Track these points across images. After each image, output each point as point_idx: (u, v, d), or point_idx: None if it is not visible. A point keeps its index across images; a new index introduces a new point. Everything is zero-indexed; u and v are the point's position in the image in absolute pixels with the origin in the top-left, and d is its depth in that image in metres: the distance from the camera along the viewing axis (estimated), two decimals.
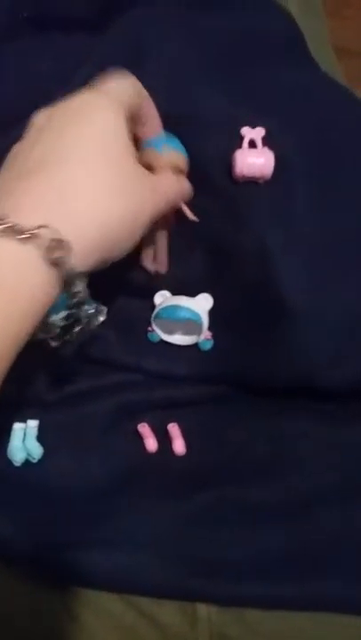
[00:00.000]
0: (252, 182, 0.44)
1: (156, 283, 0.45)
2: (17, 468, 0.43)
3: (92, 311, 0.35)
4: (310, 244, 0.42)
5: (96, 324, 0.35)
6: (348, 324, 0.42)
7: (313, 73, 0.53)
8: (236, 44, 0.50)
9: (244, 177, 0.43)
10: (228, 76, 0.47)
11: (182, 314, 0.43)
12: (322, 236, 0.42)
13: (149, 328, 0.46)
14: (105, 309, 0.44)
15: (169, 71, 0.46)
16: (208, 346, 0.45)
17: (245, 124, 0.44)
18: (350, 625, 0.38)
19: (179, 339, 0.46)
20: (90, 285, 0.32)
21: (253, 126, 0.44)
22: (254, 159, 0.43)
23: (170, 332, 0.46)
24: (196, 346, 0.46)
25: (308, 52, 0.55)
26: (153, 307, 0.45)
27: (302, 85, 0.49)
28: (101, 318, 0.46)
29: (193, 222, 0.41)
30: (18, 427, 0.44)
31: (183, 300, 0.44)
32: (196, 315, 0.43)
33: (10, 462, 0.43)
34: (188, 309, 0.43)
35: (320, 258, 0.42)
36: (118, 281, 0.45)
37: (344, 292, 0.42)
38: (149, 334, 0.46)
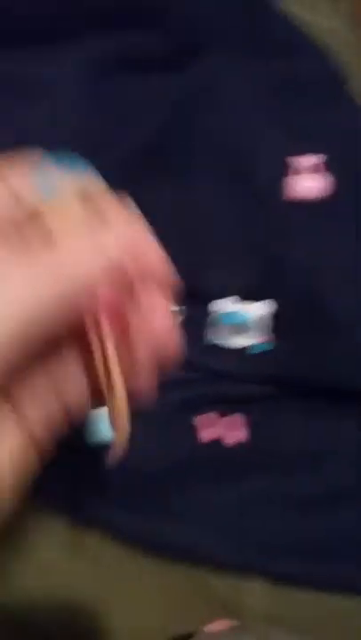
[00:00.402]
0: (303, 204, 0.49)
1: (214, 291, 0.50)
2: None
3: None
4: (354, 258, 0.47)
5: None
6: None
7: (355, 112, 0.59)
8: (286, 86, 0.56)
9: (296, 199, 0.49)
10: (280, 113, 0.53)
11: (237, 318, 0.48)
12: None
13: (206, 331, 0.51)
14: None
15: (228, 107, 0.53)
16: (263, 349, 0.50)
17: (298, 153, 0.50)
18: None
19: (234, 342, 0.51)
20: None
21: (305, 154, 0.50)
22: (306, 183, 0.49)
23: (226, 336, 0.51)
24: (250, 348, 0.50)
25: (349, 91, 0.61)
26: (209, 311, 0.50)
27: (347, 125, 0.55)
28: None
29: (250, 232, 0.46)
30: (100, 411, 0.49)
31: (239, 306, 0.49)
32: (252, 320, 0.49)
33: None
34: (243, 315, 0.48)
35: None
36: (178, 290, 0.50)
37: None
38: (207, 337, 0.51)
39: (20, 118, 0.51)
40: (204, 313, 0.50)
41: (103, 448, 0.48)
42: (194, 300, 0.51)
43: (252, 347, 0.50)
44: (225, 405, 0.50)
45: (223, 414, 0.49)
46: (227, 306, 0.50)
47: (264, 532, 0.44)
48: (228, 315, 0.49)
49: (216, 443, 0.49)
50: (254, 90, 0.55)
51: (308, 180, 0.48)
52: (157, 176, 0.50)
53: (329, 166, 0.49)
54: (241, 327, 0.50)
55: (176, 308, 0.40)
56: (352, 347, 0.46)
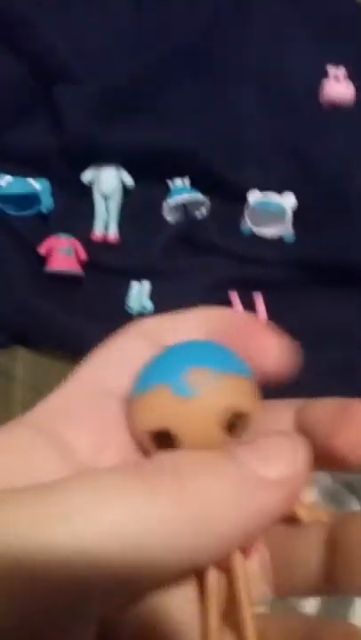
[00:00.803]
0: (334, 108, 0.56)
1: (249, 184, 0.57)
2: (130, 315, 0.54)
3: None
4: None
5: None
6: None
7: None
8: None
9: (328, 102, 0.55)
10: (313, 29, 0.60)
11: (271, 205, 0.55)
12: None
13: (242, 221, 0.57)
14: (207, 202, 0.56)
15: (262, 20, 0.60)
16: (291, 238, 0.56)
17: (330, 62, 0.56)
18: None
19: (266, 231, 0.57)
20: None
21: (337, 65, 0.57)
22: (340, 88, 0.55)
23: (259, 226, 0.57)
24: (280, 237, 0.56)
25: None
26: (247, 202, 0.56)
27: None
28: (204, 210, 0.58)
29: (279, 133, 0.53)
30: (135, 285, 0.55)
31: (272, 196, 0.55)
32: (283, 207, 0.55)
33: (126, 312, 0.55)
34: (276, 203, 0.55)
35: None
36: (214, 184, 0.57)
37: None
38: (242, 227, 0.57)
39: (75, 20, 0.59)
40: (242, 203, 0.57)
41: None
42: (231, 193, 0.57)
43: (284, 235, 0.56)
44: (256, 286, 0.56)
45: (254, 292, 0.55)
46: (262, 197, 0.56)
47: None
48: (265, 202, 0.55)
49: None
50: (289, 12, 0.62)
51: (341, 87, 0.55)
52: (191, 77, 0.57)
53: (352, 76, 0.56)
54: (276, 215, 0.56)
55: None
56: None
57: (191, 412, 0.17)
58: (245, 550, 0.18)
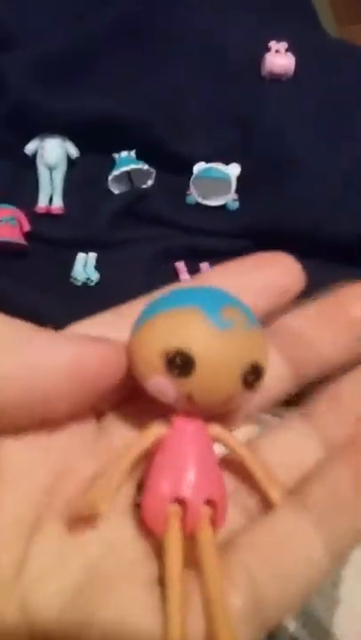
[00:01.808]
0: (275, 79, 0.57)
1: (195, 155, 0.57)
2: (77, 287, 0.54)
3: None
4: (316, 120, 0.55)
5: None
6: (341, 183, 0.54)
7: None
8: None
9: (269, 74, 0.56)
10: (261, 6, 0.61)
11: (216, 173, 0.55)
12: (325, 116, 0.55)
13: (188, 192, 0.57)
14: (153, 172, 0.56)
15: None
16: (235, 206, 0.57)
17: (273, 38, 0.57)
18: None
19: (211, 201, 0.57)
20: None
21: (278, 40, 0.58)
22: (281, 60, 0.56)
23: (205, 196, 0.57)
24: (224, 206, 0.57)
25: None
26: (193, 172, 0.57)
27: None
28: (150, 182, 0.58)
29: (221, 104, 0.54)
30: (81, 256, 0.55)
31: (217, 165, 0.56)
32: (227, 175, 0.55)
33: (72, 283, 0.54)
34: (220, 170, 0.55)
35: (322, 133, 0.55)
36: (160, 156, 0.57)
37: (340, 157, 0.54)
38: (188, 197, 0.57)
39: None
40: (187, 174, 0.57)
41: None
42: (176, 164, 0.58)
43: (228, 204, 0.57)
44: (201, 256, 0.56)
45: (200, 262, 0.56)
46: (207, 166, 0.56)
47: None
48: (210, 170, 0.55)
49: None
50: None
51: (282, 59, 0.56)
52: (133, 47, 0.57)
53: (292, 49, 0.57)
54: (221, 185, 0.56)
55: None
56: (321, 192, 0.53)
57: (223, 345, 0.16)
58: (214, 522, 0.17)
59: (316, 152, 0.54)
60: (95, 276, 0.54)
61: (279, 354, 0.19)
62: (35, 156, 0.57)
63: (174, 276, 0.55)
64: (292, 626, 0.24)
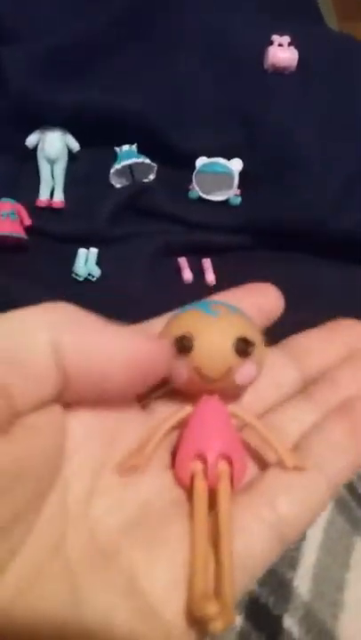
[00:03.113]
0: (278, 73, 0.56)
1: (197, 149, 0.56)
2: (78, 282, 0.53)
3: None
4: (320, 118, 0.54)
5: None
6: (344, 181, 0.53)
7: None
8: None
9: (273, 67, 0.55)
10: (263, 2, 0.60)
11: (219, 168, 0.55)
12: (329, 111, 0.54)
13: (190, 186, 0.57)
14: (155, 167, 0.56)
15: None
16: (237, 201, 0.56)
17: (275, 32, 0.57)
18: None
19: (214, 196, 0.57)
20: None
21: (281, 34, 0.57)
22: (283, 53, 0.55)
23: (207, 192, 0.57)
24: (227, 202, 0.56)
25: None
26: (193, 170, 0.56)
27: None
28: (151, 176, 0.57)
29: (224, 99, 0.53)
30: (82, 251, 0.54)
31: (220, 160, 0.55)
32: (230, 170, 0.55)
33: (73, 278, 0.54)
34: (223, 165, 0.55)
35: (326, 129, 0.54)
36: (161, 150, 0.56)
37: (342, 156, 0.54)
38: (190, 192, 0.57)
39: None
40: (190, 169, 0.56)
41: None
42: (178, 159, 0.57)
43: (231, 199, 0.56)
44: (204, 251, 0.56)
45: (202, 257, 0.55)
46: (210, 161, 0.56)
47: None
48: (213, 164, 0.55)
49: (196, 282, 0.55)
50: None
51: (285, 52, 0.55)
52: (135, 41, 0.56)
53: (301, 45, 0.56)
54: (223, 180, 0.56)
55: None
56: (324, 189, 0.52)
57: (214, 325, 0.22)
58: (232, 478, 0.22)
59: (320, 148, 0.53)
60: (97, 272, 0.54)
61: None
62: (35, 149, 0.56)
63: (176, 272, 0.55)
64: (295, 631, 0.24)
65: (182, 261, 0.55)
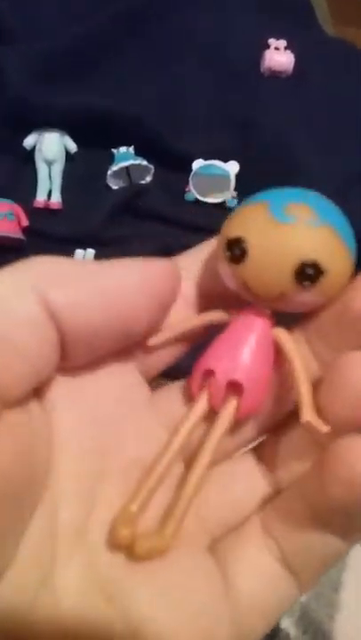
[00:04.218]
0: (274, 77, 0.56)
1: (195, 153, 0.57)
2: None
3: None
4: (316, 121, 0.55)
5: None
6: (340, 183, 0.54)
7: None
8: None
9: (269, 71, 0.56)
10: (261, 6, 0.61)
11: (216, 170, 0.55)
12: (324, 114, 0.55)
13: (187, 188, 0.57)
14: (152, 169, 0.56)
15: None
16: (234, 203, 0.57)
17: (272, 36, 0.57)
18: None
19: (210, 198, 0.57)
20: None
21: (278, 38, 0.57)
22: (280, 57, 0.56)
23: (203, 194, 0.57)
24: (224, 204, 0.57)
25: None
26: (190, 172, 0.56)
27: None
28: (148, 178, 0.58)
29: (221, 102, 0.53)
30: (79, 252, 0.54)
31: (216, 162, 0.56)
32: (227, 172, 0.55)
33: None
34: (220, 167, 0.55)
35: (322, 132, 0.55)
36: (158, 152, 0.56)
37: (338, 159, 0.54)
38: (187, 194, 0.57)
39: None
40: (186, 171, 0.57)
41: None
42: (175, 161, 0.57)
43: (228, 201, 0.57)
44: None
45: None
46: (207, 163, 0.56)
47: None
48: (210, 166, 0.55)
49: None
50: None
51: (281, 56, 0.56)
52: (133, 44, 0.57)
53: (298, 48, 0.57)
54: (220, 182, 0.56)
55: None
56: (325, 189, 0.53)
57: (276, 237, 0.17)
58: (240, 407, 0.18)
59: (316, 151, 0.54)
60: None
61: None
62: (33, 150, 0.56)
63: None
64: (292, 632, 0.24)
65: None
